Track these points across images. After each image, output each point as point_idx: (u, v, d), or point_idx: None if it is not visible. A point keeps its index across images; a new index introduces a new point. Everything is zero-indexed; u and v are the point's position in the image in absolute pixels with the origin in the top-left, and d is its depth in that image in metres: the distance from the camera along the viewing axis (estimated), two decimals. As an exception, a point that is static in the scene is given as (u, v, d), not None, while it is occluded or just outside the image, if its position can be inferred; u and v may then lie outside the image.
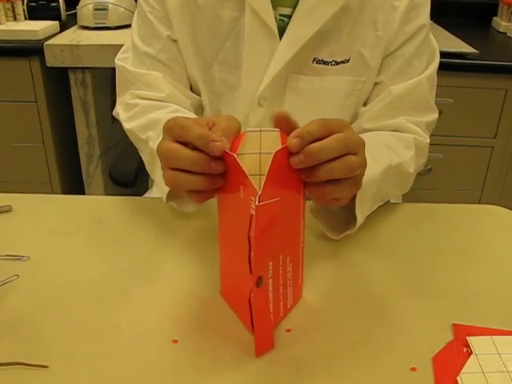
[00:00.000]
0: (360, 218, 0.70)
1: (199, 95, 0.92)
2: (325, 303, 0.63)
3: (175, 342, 0.57)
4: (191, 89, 0.93)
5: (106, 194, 1.89)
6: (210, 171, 0.52)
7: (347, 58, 0.84)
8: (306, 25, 0.80)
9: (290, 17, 0.81)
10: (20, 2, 1.89)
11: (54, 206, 0.83)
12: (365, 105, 0.91)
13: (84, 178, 1.92)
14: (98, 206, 0.83)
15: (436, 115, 0.91)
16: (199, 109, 0.94)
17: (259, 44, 0.82)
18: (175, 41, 0.87)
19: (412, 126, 0.86)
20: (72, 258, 0.70)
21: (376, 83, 0.89)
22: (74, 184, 2.03)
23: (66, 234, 0.75)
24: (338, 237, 0.72)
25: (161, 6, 0.86)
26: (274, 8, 0.81)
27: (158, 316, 0.60)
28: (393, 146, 0.81)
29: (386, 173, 0.74)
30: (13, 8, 1.86)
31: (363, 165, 0.57)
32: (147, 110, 0.84)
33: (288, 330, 0.59)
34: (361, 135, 0.59)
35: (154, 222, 0.78)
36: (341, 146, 0.53)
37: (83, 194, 1.91)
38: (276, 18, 0.81)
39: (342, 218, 0.72)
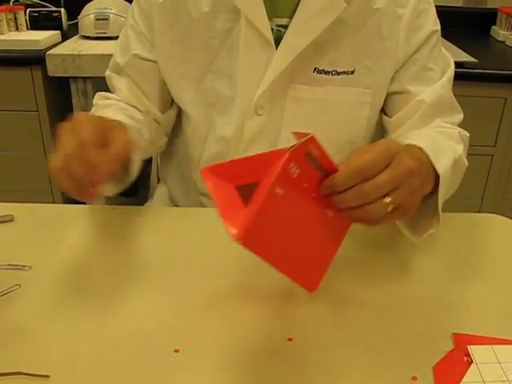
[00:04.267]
0: (440, 213, 0.68)
1: (185, 106, 0.92)
2: (326, 313, 0.63)
3: (176, 351, 0.57)
4: (172, 101, 0.96)
5: (106, 203, 1.89)
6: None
7: (351, 69, 0.85)
8: (301, 34, 0.81)
9: (286, 27, 0.82)
10: (22, 12, 1.90)
11: (56, 215, 0.83)
12: (387, 115, 0.91)
13: (85, 187, 1.92)
14: (100, 215, 0.83)
15: (462, 115, 0.90)
16: (157, 121, 0.95)
17: (255, 54, 0.83)
18: (145, 59, 0.90)
19: (449, 125, 0.86)
20: (73, 267, 0.70)
21: (396, 92, 0.89)
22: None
23: (68, 244, 0.75)
24: (421, 238, 0.70)
25: (144, 24, 0.89)
26: (270, 19, 0.82)
27: (159, 325, 0.60)
28: (446, 142, 0.79)
29: (453, 166, 0.72)
30: (15, 18, 1.87)
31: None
32: (100, 108, 0.90)
33: (289, 339, 0.59)
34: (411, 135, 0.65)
35: (154, 231, 0.79)
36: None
37: (84, 203, 1.91)
38: (273, 29, 0.82)
39: (419, 217, 0.70)
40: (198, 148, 0.93)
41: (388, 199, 0.56)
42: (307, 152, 0.54)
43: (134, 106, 0.92)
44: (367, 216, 0.57)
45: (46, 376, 0.53)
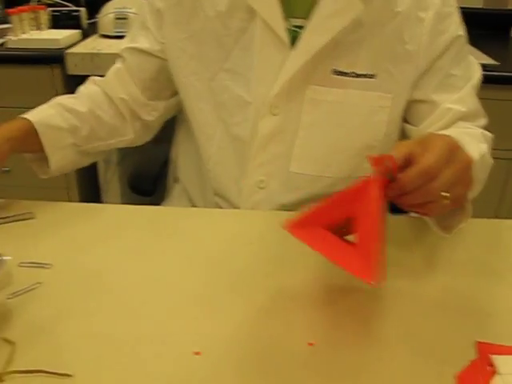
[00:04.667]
0: (469, 208, 0.70)
1: (192, 103, 0.94)
2: (348, 318, 0.63)
3: (198, 353, 0.57)
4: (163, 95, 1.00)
5: (122, 202, 1.90)
6: None
7: (371, 73, 0.84)
8: (317, 35, 0.81)
9: (302, 27, 0.82)
10: (44, 12, 1.91)
11: (76, 213, 0.83)
12: (411, 123, 0.91)
13: (101, 184, 1.92)
14: (119, 215, 0.83)
15: (486, 119, 0.90)
16: (143, 107, 0.98)
17: (269, 54, 0.83)
18: (144, 51, 0.94)
19: (471, 126, 0.86)
20: (93, 266, 0.71)
21: (420, 101, 0.88)
22: (91, 190, 2.04)
23: (88, 243, 0.76)
24: (451, 233, 0.72)
25: (153, 19, 0.92)
26: (286, 19, 0.82)
27: (180, 327, 0.60)
28: (470, 139, 0.78)
29: (479, 161, 0.73)
30: (37, 17, 1.89)
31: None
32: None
33: (310, 344, 0.59)
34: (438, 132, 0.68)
35: (172, 232, 0.79)
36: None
37: (100, 200, 1.92)
38: (289, 29, 0.82)
39: (449, 213, 0.71)
40: (206, 146, 0.93)
41: (447, 194, 0.59)
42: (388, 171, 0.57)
43: (106, 94, 0.96)
44: (428, 210, 0.61)
45: (68, 375, 0.53)
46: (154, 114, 1.00)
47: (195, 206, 1.02)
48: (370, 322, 0.62)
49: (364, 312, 0.64)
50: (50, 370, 0.54)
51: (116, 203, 1.88)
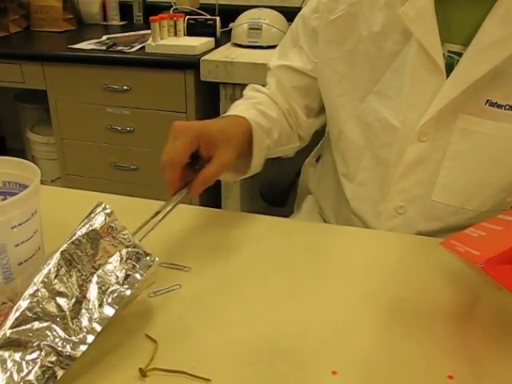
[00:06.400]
0: None
1: (341, 123, 0.92)
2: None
3: (334, 373, 0.56)
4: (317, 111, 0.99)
5: (241, 208, 1.94)
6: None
7: None
8: (476, 64, 0.77)
9: (459, 54, 0.79)
10: (182, 20, 2.01)
11: (212, 219, 0.86)
12: None
13: (222, 190, 1.98)
14: (255, 225, 0.84)
15: None
16: (298, 122, 0.98)
17: (423, 79, 0.80)
18: (298, 70, 0.94)
19: None
20: (231, 274, 0.72)
21: None
22: (211, 195, 2.10)
23: (225, 249, 0.77)
24: None
25: (306, 39, 0.93)
26: (442, 44, 0.79)
27: (316, 343, 0.60)
28: None
29: None
30: (175, 24, 1.98)
31: None
32: (244, 99, 0.97)
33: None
34: None
35: (307, 247, 0.78)
36: None
37: (220, 205, 1.98)
38: (444, 55, 0.79)
39: None
40: (353, 166, 0.92)
41: None
42: None
43: (276, 103, 0.95)
44: None
45: (208, 380, 0.54)
46: (309, 130, 1.01)
47: (326, 220, 1.01)
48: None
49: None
50: (191, 373, 0.55)
51: (235, 209, 1.92)
